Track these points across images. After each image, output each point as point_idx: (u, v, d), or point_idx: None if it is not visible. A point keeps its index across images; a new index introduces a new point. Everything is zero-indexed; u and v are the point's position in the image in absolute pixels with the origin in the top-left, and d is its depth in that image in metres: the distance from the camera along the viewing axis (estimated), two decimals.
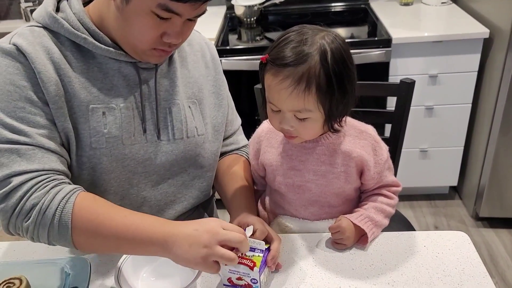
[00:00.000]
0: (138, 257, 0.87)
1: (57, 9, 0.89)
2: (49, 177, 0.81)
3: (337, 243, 0.92)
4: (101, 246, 0.82)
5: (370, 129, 0.96)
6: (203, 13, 0.84)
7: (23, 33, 0.84)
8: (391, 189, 0.99)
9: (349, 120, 0.95)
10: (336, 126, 0.89)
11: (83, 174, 0.89)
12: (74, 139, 0.86)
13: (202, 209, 1.13)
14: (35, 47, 0.83)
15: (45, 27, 0.87)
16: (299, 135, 0.89)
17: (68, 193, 0.80)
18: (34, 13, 0.89)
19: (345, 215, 0.94)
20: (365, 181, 0.96)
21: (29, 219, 0.78)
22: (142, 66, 0.92)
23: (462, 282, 0.82)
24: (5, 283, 0.79)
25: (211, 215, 1.18)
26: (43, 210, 0.78)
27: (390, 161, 0.99)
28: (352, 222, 0.92)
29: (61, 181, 0.82)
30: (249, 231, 0.83)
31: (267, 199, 1.10)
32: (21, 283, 0.79)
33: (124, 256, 0.87)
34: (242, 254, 0.81)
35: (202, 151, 1.01)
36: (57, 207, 0.78)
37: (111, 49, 0.87)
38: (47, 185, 0.79)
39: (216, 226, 0.77)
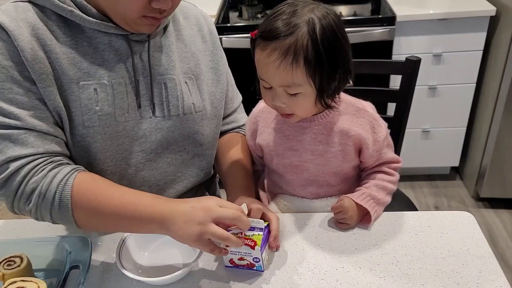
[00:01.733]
0: (140, 236, 0.87)
1: None
2: (45, 160, 0.80)
3: (340, 223, 0.92)
4: (102, 225, 0.82)
5: (368, 107, 0.94)
6: None
7: (6, 10, 0.81)
8: (391, 165, 0.98)
9: (346, 98, 0.93)
10: (330, 102, 0.87)
11: (79, 153, 0.88)
12: (66, 118, 0.84)
13: (204, 188, 1.11)
14: (19, 24, 0.80)
15: (30, 1, 0.83)
16: (293, 112, 0.87)
17: (66, 175, 0.79)
18: None
19: (347, 195, 0.93)
20: (364, 159, 0.95)
21: (30, 202, 0.79)
22: (134, 38, 0.89)
23: (467, 262, 0.82)
24: (5, 261, 0.79)
25: (213, 194, 1.17)
26: (42, 193, 0.78)
27: (390, 138, 0.97)
28: (354, 201, 0.91)
29: (59, 162, 0.81)
30: (243, 209, 0.82)
31: (265, 179, 1.09)
32: (22, 261, 0.79)
33: (126, 234, 0.86)
34: (242, 234, 0.80)
35: (200, 128, 0.98)
36: (56, 189, 0.78)
37: (99, 21, 0.84)
38: (44, 168, 0.79)
39: (213, 204, 0.77)
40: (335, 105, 0.89)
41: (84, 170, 0.83)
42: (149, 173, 0.95)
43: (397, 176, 0.98)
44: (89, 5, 0.84)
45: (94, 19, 0.84)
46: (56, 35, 0.83)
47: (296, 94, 0.82)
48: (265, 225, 0.84)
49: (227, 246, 0.79)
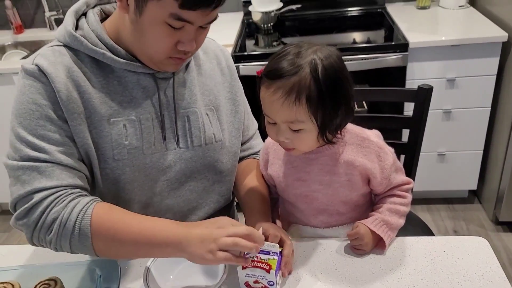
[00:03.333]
0: (165, 260, 0.91)
1: (77, 27, 0.93)
2: (66, 192, 0.85)
3: (356, 249, 0.94)
4: (120, 252, 0.87)
5: (373, 136, 0.96)
6: (215, 19, 0.87)
7: (45, 54, 0.89)
8: (402, 187, 0.99)
9: (351, 128, 0.95)
10: (331, 138, 0.90)
11: (108, 185, 0.94)
12: (94, 154, 0.90)
13: (225, 213, 1.16)
14: (56, 67, 0.87)
15: (66, 45, 0.91)
16: (295, 147, 0.90)
17: (85, 205, 0.85)
18: (56, 33, 0.93)
19: (362, 221, 0.95)
20: (374, 187, 0.97)
21: (51, 232, 0.84)
22: (160, 76, 0.96)
23: (481, 286, 0.83)
24: (41, 284, 0.84)
25: (232, 218, 1.21)
26: (63, 223, 0.83)
27: (398, 162, 0.98)
28: (368, 227, 0.93)
29: (78, 194, 0.87)
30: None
31: (280, 207, 1.13)
32: (56, 284, 0.84)
33: (151, 259, 0.90)
34: (257, 258, 0.84)
35: (220, 157, 1.04)
36: (76, 219, 0.83)
37: (129, 62, 0.91)
38: (65, 200, 0.84)
39: (226, 222, 0.82)
40: (337, 140, 0.92)
41: (101, 201, 0.89)
42: (173, 201, 1.01)
43: (409, 197, 1.00)
44: (119, 47, 0.91)
45: (123, 60, 0.91)
46: (89, 76, 0.90)
47: (299, 130, 0.86)
48: (280, 250, 0.87)
49: (246, 254, 0.81)
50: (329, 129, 0.87)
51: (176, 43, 0.86)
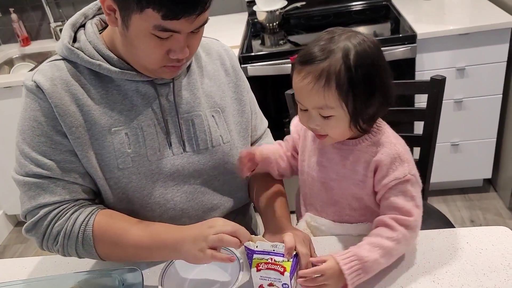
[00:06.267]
0: (181, 266, 0.91)
1: (75, 39, 0.93)
2: (68, 205, 0.91)
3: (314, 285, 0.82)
4: (123, 256, 0.92)
5: (399, 145, 0.90)
6: (205, 23, 0.84)
7: (43, 69, 0.90)
8: (398, 218, 0.86)
9: (386, 130, 0.91)
10: (366, 127, 0.88)
11: (118, 195, 0.94)
12: (97, 165, 0.91)
13: (241, 215, 1.15)
14: (53, 82, 0.88)
15: (64, 59, 0.91)
16: (327, 134, 0.89)
17: (87, 216, 0.90)
18: (55, 46, 0.94)
19: (333, 254, 0.84)
20: (375, 182, 0.90)
21: (57, 243, 0.90)
22: (159, 82, 0.95)
23: (508, 276, 0.82)
24: None
25: (249, 221, 1.20)
26: (67, 234, 0.89)
27: (413, 190, 0.87)
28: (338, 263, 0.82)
29: (81, 205, 0.91)
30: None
31: (295, 201, 1.11)
32: None
33: (167, 262, 0.91)
34: (272, 260, 0.83)
35: (230, 158, 1.03)
36: (79, 230, 0.89)
37: (125, 71, 0.91)
38: (67, 212, 0.90)
39: (218, 222, 0.84)
40: (373, 131, 0.90)
41: (104, 208, 0.93)
42: (187, 205, 1.00)
43: (401, 232, 0.85)
44: (116, 57, 0.91)
45: (120, 70, 0.90)
46: (88, 88, 0.91)
47: (329, 116, 0.85)
48: (294, 253, 0.84)
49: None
50: (362, 118, 0.85)
51: (167, 52, 0.84)
